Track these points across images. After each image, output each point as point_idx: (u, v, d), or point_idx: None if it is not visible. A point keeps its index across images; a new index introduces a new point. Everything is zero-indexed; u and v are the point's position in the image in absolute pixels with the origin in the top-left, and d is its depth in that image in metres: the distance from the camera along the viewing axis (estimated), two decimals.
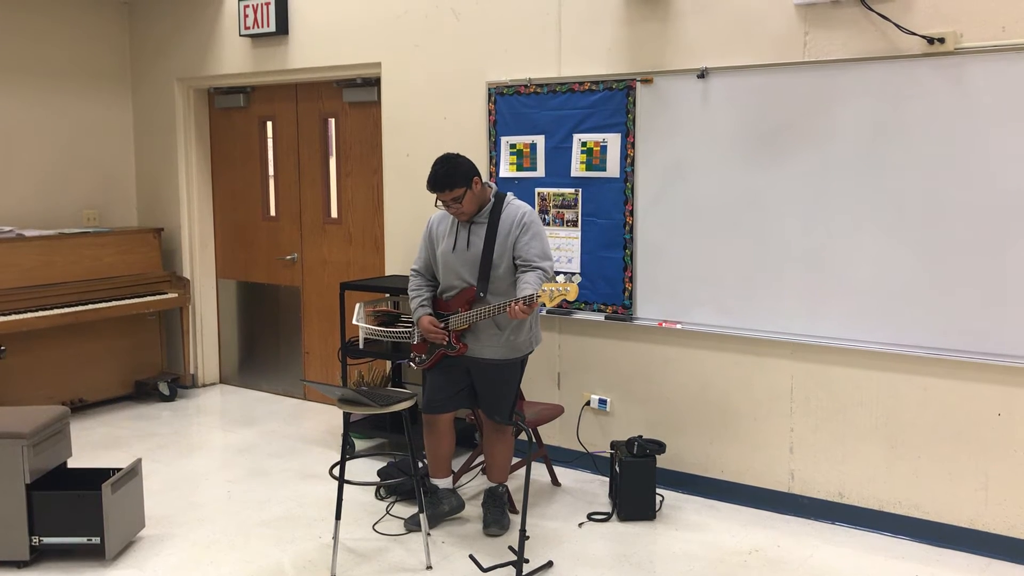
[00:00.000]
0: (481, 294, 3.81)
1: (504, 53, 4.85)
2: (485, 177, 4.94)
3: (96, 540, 3.66)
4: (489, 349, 3.87)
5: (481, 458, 4.61)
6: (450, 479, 4.21)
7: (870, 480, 4.03)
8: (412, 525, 4.06)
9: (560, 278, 3.56)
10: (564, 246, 4.69)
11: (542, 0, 4.68)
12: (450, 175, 3.73)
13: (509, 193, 3.96)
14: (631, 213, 4.49)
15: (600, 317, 4.64)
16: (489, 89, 4.90)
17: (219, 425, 5.76)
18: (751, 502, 4.33)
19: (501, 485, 4.14)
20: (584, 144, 4.59)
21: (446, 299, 3.93)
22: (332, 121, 5.99)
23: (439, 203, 3.83)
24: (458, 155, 3.81)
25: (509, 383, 3.95)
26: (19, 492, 3.61)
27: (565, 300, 3.54)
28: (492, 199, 3.88)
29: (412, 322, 4.07)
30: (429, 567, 3.68)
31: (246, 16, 5.84)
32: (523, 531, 3.44)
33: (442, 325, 3.88)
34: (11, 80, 5.95)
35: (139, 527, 3.96)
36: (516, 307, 3.56)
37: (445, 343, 3.88)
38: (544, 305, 3.54)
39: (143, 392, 6.30)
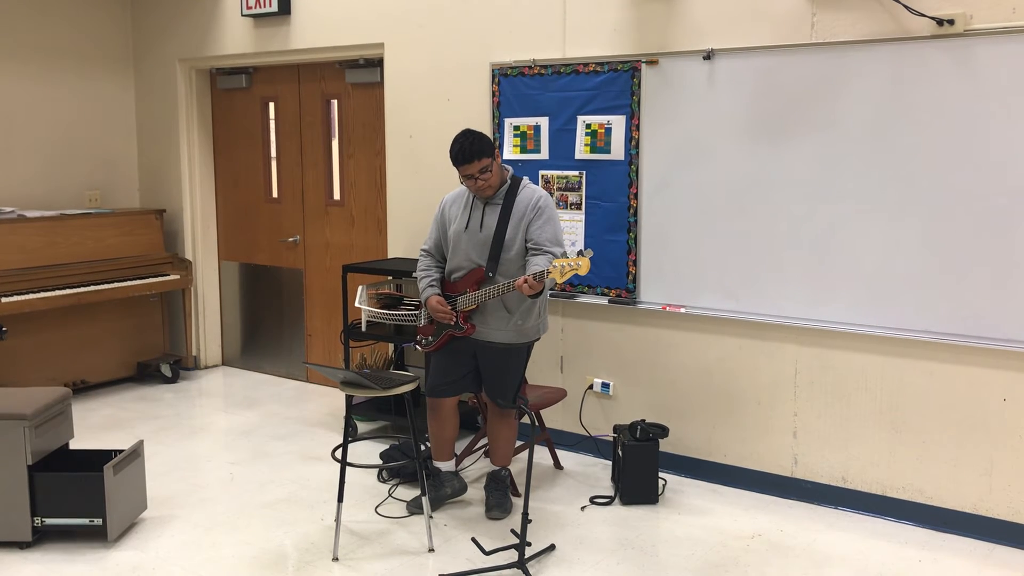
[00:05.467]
0: (490, 274, 3.78)
1: (508, 34, 4.81)
2: None
3: (98, 522, 3.66)
4: (497, 333, 3.85)
5: (484, 441, 4.60)
6: (452, 462, 4.20)
7: (873, 465, 4.02)
8: (414, 508, 4.06)
9: (571, 253, 3.51)
10: (568, 229, 4.66)
11: None
12: (476, 144, 3.70)
13: (525, 177, 3.94)
14: (635, 196, 4.46)
15: (604, 301, 4.62)
16: (493, 70, 4.86)
17: (221, 407, 5.76)
18: (754, 486, 4.33)
19: (504, 469, 4.13)
20: (588, 126, 4.55)
21: (454, 280, 3.91)
22: (335, 102, 5.95)
23: (463, 180, 3.79)
24: (476, 130, 3.79)
25: (514, 368, 3.94)
26: (21, 473, 3.61)
27: (577, 276, 3.49)
28: (508, 180, 3.85)
29: (416, 304, 4.04)
30: (431, 550, 3.68)
31: None
32: (525, 514, 3.43)
33: (449, 306, 3.86)
34: (13, 60, 5.91)
35: (141, 509, 3.96)
36: (524, 282, 3.53)
37: (453, 323, 3.86)
38: (555, 281, 3.50)
39: (145, 374, 6.30)
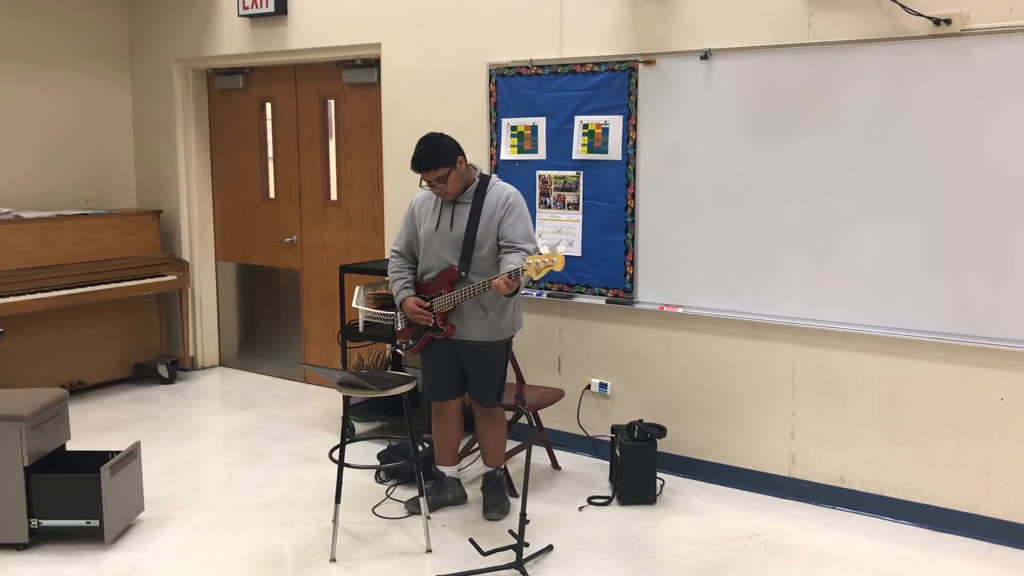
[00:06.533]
0: (463, 274, 3.78)
1: (505, 34, 4.80)
2: (485, 159, 4.92)
3: (95, 523, 3.66)
4: (474, 331, 3.84)
5: None
6: (456, 468, 4.19)
7: (871, 465, 4.02)
8: (413, 507, 4.05)
9: (544, 249, 3.52)
10: (565, 229, 4.66)
11: None
12: (434, 155, 3.70)
13: (494, 175, 3.93)
14: (633, 196, 4.46)
15: (601, 301, 4.62)
16: (490, 70, 4.86)
17: (219, 408, 5.75)
18: (752, 486, 4.33)
19: (498, 469, 4.12)
20: (586, 126, 4.55)
21: (427, 281, 3.89)
22: (331, 102, 5.95)
23: (423, 183, 3.80)
24: (442, 135, 3.78)
25: (495, 366, 3.93)
26: (18, 475, 3.60)
27: (552, 272, 3.49)
28: (477, 179, 3.85)
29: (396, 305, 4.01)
30: (429, 550, 3.67)
31: None
32: (523, 515, 3.43)
33: (427, 306, 3.85)
34: (9, 60, 5.90)
35: (138, 510, 3.95)
36: (501, 280, 3.53)
37: (432, 325, 3.85)
38: (531, 278, 3.51)
39: (142, 375, 6.29)
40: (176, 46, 6.32)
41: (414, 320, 3.88)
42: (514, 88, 4.77)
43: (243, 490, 4.34)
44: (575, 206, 4.64)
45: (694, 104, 4.25)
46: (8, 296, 5.31)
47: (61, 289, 5.58)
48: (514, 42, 4.78)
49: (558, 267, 3.48)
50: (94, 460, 3.84)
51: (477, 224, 3.78)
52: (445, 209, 3.85)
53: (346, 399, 3.76)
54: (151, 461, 4.73)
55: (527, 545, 3.63)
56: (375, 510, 4.09)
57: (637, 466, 4.14)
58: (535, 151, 4.74)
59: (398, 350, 4.04)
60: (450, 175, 3.73)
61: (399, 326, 4.01)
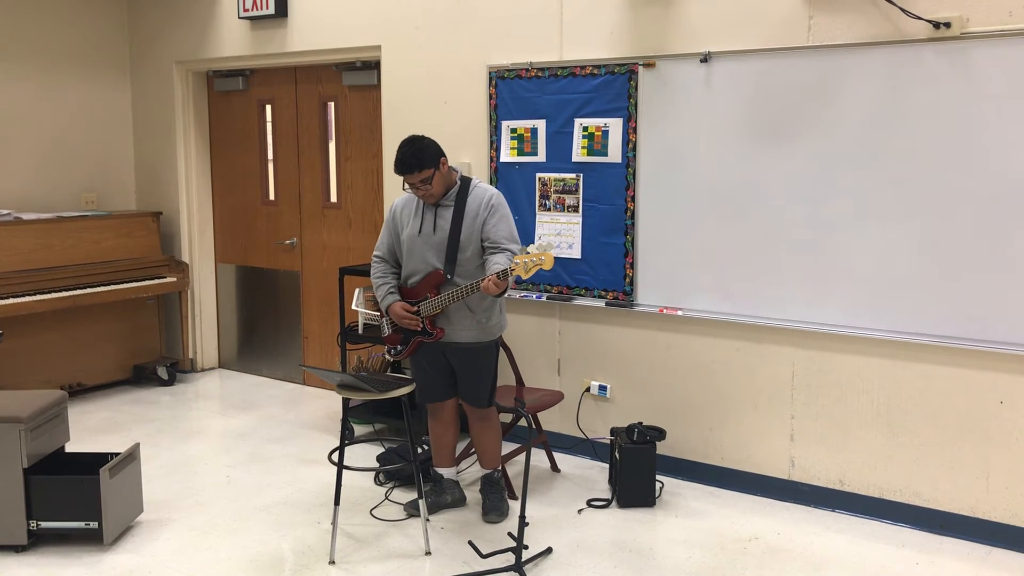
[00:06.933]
0: (448, 276, 3.78)
1: (505, 36, 4.81)
2: (485, 161, 4.92)
3: (94, 525, 3.66)
4: (463, 332, 3.84)
5: None
6: (454, 469, 4.19)
7: (871, 467, 4.02)
8: (411, 510, 4.05)
9: (532, 248, 3.51)
10: (565, 232, 4.66)
11: None
12: (418, 156, 3.69)
13: (474, 177, 3.93)
14: (632, 199, 4.46)
15: (601, 303, 4.62)
16: (490, 73, 4.86)
17: (218, 410, 5.75)
18: (751, 489, 4.33)
19: (495, 471, 4.12)
20: (585, 129, 4.55)
21: (411, 285, 3.89)
22: (331, 105, 5.95)
23: (406, 186, 3.80)
24: (423, 136, 3.78)
25: (486, 366, 3.93)
26: (17, 476, 3.60)
27: (542, 271, 3.48)
28: (458, 182, 3.85)
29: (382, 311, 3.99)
30: (428, 553, 3.67)
31: None
32: (522, 517, 3.43)
33: (414, 310, 3.85)
34: (9, 62, 5.90)
35: (137, 512, 3.95)
36: (490, 282, 3.53)
37: (420, 329, 3.85)
38: (520, 277, 3.50)
39: (142, 376, 6.28)
40: (176, 48, 6.33)
41: (402, 325, 3.87)
42: (514, 90, 4.78)
43: (242, 492, 4.34)
44: (575, 208, 4.64)
45: (694, 107, 4.25)
46: (8, 297, 5.31)
47: (61, 291, 5.58)
48: (514, 44, 4.79)
49: (547, 266, 3.47)
50: (93, 462, 3.84)
51: (460, 226, 3.78)
52: (427, 212, 3.85)
53: (345, 401, 3.76)
54: (150, 463, 4.73)
55: (526, 547, 3.63)
56: (374, 512, 4.09)
57: (636, 469, 4.14)
58: (535, 153, 4.74)
59: (387, 355, 4.04)
60: (434, 177, 3.74)
61: (386, 331, 4.00)
